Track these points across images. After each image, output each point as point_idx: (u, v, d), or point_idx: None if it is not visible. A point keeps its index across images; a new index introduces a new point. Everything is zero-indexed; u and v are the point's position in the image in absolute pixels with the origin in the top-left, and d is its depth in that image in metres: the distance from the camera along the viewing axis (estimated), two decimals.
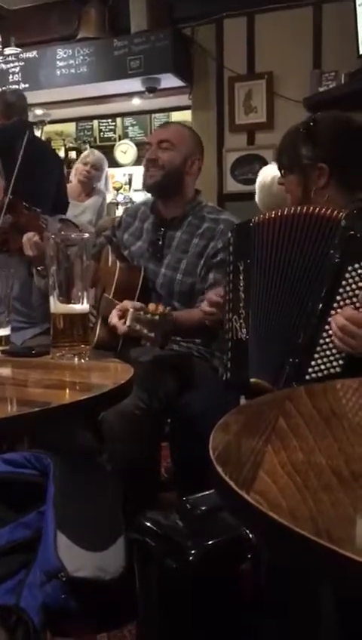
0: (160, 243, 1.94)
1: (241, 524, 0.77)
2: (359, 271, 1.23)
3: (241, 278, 1.39)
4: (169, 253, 1.92)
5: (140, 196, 5.43)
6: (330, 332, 1.23)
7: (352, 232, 1.25)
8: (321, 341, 1.24)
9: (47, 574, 1.01)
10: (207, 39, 4.30)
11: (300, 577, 0.77)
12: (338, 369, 1.23)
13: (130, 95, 4.72)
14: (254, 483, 0.52)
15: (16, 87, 4.45)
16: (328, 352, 1.24)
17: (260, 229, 1.40)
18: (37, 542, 1.10)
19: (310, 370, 1.25)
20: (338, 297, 1.24)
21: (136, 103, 4.94)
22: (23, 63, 4.61)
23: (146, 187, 2.00)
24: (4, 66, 4.66)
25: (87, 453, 1.37)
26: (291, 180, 1.50)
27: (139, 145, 5.79)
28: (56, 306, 1.25)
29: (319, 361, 1.24)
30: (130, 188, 5.86)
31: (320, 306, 1.26)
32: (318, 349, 1.24)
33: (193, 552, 0.92)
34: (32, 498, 1.17)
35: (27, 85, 4.53)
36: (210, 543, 0.94)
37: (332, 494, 0.51)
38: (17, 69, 4.61)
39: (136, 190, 5.77)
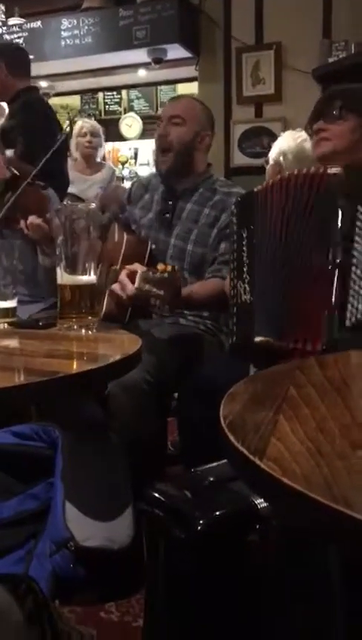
0: (168, 215, 1.92)
1: (254, 491, 0.76)
2: None
3: (244, 244, 1.39)
4: (178, 224, 1.90)
5: (146, 170, 5.38)
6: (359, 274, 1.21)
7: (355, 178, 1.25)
8: (352, 284, 1.22)
9: (57, 544, 1.02)
10: (215, 8, 4.20)
11: (310, 547, 0.77)
12: None
13: (135, 67, 4.64)
14: (267, 450, 0.52)
15: None
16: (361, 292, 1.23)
17: (262, 195, 1.39)
18: (45, 513, 1.11)
19: (348, 314, 1.23)
20: (357, 238, 1.22)
21: (142, 74, 4.86)
22: (26, 34, 4.53)
23: (161, 175, 1.97)
24: (7, 37, 4.58)
25: (95, 426, 1.37)
26: (346, 122, 1.46)
27: (145, 118, 5.73)
28: (63, 277, 1.24)
29: (355, 304, 1.23)
30: (135, 162, 5.81)
31: (339, 253, 1.23)
32: (351, 292, 1.22)
33: (201, 522, 0.93)
34: (40, 470, 1.18)
35: (31, 57, 4.45)
36: (217, 513, 0.94)
37: (346, 461, 0.50)
38: (21, 40, 4.53)
39: (141, 164, 5.72)
